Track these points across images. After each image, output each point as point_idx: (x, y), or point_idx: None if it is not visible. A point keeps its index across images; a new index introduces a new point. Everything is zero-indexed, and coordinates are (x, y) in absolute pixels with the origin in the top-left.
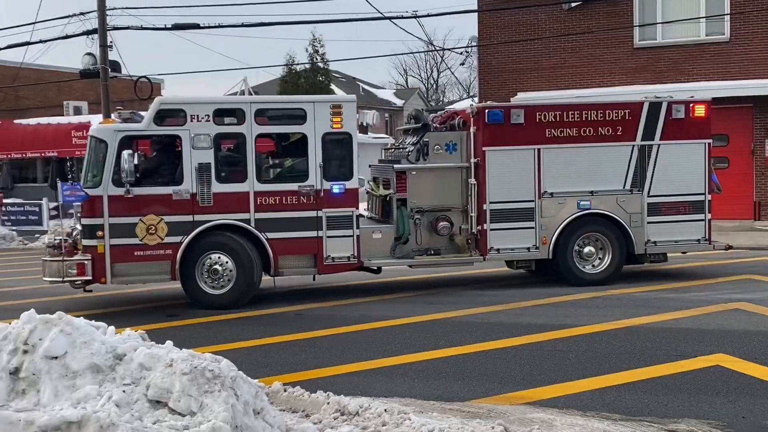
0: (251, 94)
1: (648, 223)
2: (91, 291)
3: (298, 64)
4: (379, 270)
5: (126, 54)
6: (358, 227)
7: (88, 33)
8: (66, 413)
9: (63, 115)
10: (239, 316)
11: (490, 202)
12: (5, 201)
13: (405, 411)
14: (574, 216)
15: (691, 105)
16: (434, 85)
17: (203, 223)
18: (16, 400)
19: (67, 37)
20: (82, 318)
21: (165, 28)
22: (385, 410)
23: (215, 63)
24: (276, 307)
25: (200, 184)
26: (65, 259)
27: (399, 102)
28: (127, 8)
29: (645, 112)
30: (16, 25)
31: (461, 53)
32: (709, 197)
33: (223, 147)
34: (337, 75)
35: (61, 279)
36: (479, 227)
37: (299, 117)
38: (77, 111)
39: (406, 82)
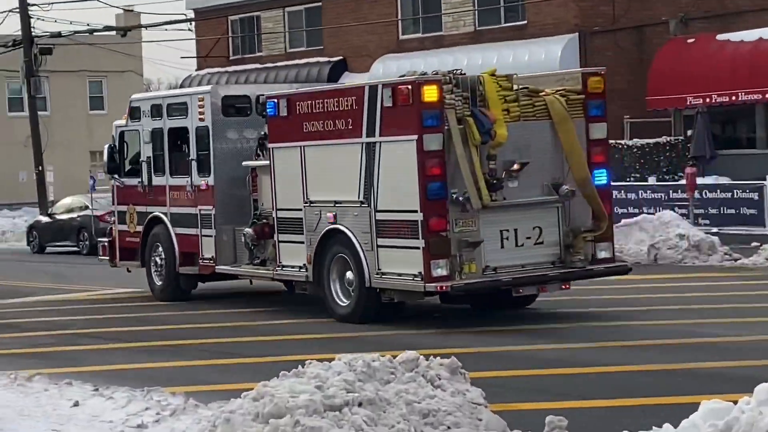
0: None
1: (378, 246)
2: None
3: None
4: None
5: None
6: None
7: None
8: None
9: None
10: None
11: (278, 209)
12: (702, 181)
13: None
14: (324, 231)
15: (398, 87)
16: None
17: None
18: None
19: None
20: None
21: None
22: None
23: None
24: None
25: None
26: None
27: None
28: None
29: (366, 99)
30: None
31: None
32: (420, 216)
33: None
34: None
35: None
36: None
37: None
38: None
39: None
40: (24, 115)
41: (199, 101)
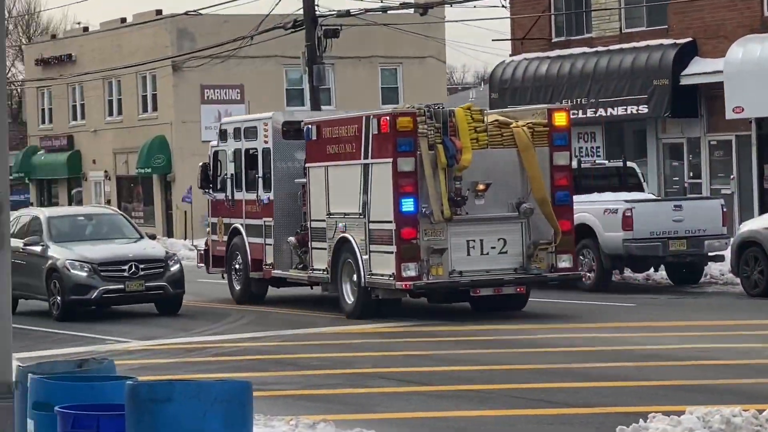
0: None
1: (370, 251)
2: None
3: None
4: None
5: None
6: None
7: None
8: None
9: None
10: None
11: (311, 220)
12: None
13: None
14: (338, 239)
15: (381, 118)
16: None
17: None
18: None
19: None
20: None
21: None
22: None
23: None
24: None
25: None
26: None
27: None
28: None
29: (364, 127)
30: None
31: None
32: (393, 226)
33: None
34: None
35: None
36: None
37: None
38: None
39: None
40: (305, 109)
41: (264, 125)
